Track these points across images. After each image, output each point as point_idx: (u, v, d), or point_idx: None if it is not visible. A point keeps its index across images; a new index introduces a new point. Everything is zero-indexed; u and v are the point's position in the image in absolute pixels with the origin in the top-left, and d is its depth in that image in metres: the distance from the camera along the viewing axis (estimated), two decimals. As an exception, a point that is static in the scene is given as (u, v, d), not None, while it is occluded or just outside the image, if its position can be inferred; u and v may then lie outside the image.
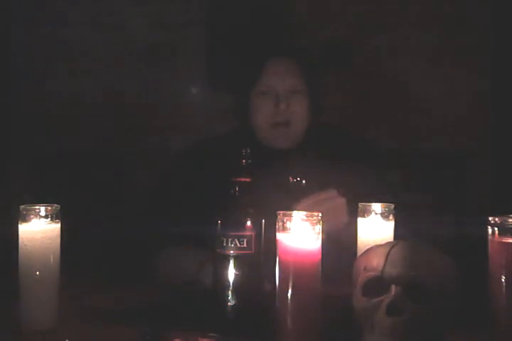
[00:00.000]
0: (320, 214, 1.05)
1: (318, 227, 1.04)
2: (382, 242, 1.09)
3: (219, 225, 1.17)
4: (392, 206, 1.32)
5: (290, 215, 1.06)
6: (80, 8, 3.37)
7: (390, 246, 1.02)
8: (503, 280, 1.01)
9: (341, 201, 1.50)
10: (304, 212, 1.07)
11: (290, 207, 1.18)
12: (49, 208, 1.13)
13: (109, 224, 1.72)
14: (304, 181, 1.44)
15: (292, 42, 1.88)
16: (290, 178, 1.44)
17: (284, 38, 1.88)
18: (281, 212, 1.07)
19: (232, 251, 1.15)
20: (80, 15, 3.39)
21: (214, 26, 3.34)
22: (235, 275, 1.15)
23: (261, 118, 1.71)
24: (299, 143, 1.72)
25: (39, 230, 1.11)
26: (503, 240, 1.02)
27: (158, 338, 1.02)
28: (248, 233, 1.16)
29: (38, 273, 1.11)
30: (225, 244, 1.16)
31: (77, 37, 3.38)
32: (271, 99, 1.69)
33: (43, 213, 1.12)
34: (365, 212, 1.32)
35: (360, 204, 1.33)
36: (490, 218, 1.04)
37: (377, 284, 0.98)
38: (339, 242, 1.35)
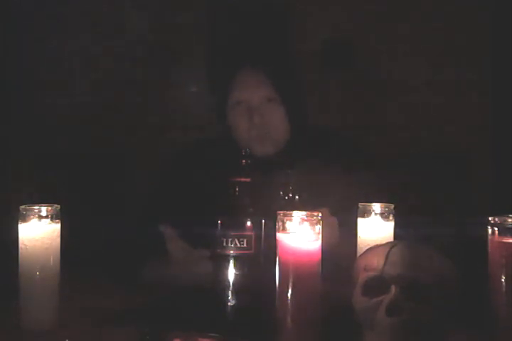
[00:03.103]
0: (320, 215, 1.06)
1: (318, 227, 1.04)
2: (382, 242, 1.09)
3: (219, 225, 1.17)
4: (392, 206, 1.32)
5: (290, 215, 1.06)
6: (80, 8, 3.37)
7: (390, 246, 1.02)
8: (503, 280, 1.01)
9: (333, 220, 1.47)
10: (304, 212, 1.07)
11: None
12: (49, 208, 1.13)
13: (109, 224, 1.72)
14: (297, 197, 1.42)
15: (261, 50, 1.80)
16: (281, 193, 1.42)
17: (256, 47, 1.85)
18: (281, 212, 1.07)
19: (232, 251, 1.15)
20: (80, 16, 3.39)
21: (216, 30, 3.34)
22: (235, 275, 1.16)
23: (238, 132, 1.68)
24: (282, 148, 1.69)
25: (39, 230, 1.11)
26: (503, 240, 1.02)
27: (158, 338, 1.02)
28: (248, 233, 1.16)
29: (38, 273, 1.11)
30: (225, 244, 1.16)
31: (78, 37, 3.38)
32: (245, 112, 1.66)
33: (43, 213, 1.12)
34: (365, 212, 1.32)
35: (360, 205, 1.33)
36: (490, 218, 1.04)
37: (377, 284, 0.98)
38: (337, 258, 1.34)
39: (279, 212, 1.07)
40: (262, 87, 1.67)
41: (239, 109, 1.67)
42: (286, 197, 1.41)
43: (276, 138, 1.69)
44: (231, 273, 1.16)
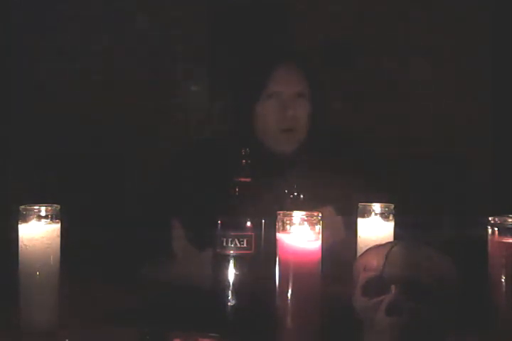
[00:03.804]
0: (320, 214, 1.06)
1: (318, 227, 1.04)
2: (382, 242, 1.09)
3: (219, 225, 1.17)
4: (392, 206, 1.32)
5: (290, 215, 1.06)
6: (80, 8, 3.37)
7: (390, 246, 1.02)
8: (503, 280, 1.01)
9: (337, 219, 1.48)
10: (304, 212, 1.07)
11: None
12: (49, 208, 1.13)
13: (109, 224, 1.72)
14: (301, 196, 1.43)
15: (294, 46, 1.85)
16: (286, 192, 1.43)
17: (287, 42, 1.89)
18: (281, 212, 1.07)
19: (232, 251, 1.15)
20: (80, 15, 3.39)
21: (217, 30, 3.34)
22: (235, 275, 1.15)
23: (267, 124, 1.71)
24: (300, 146, 1.72)
25: (39, 230, 1.11)
26: (503, 240, 1.02)
27: (158, 338, 1.02)
28: (248, 233, 1.16)
29: (38, 273, 1.11)
30: (225, 244, 1.16)
31: (78, 37, 3.38)
32: (277, 104, 1.69)
33: (43, 213, 1.12)
34: (365, 212, 1.32)
35: (360, 205, 1.33)
36: (490, 218, 1.05)
37: (377, 284, 0.98)
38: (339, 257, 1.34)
39: (279, 212, 1.07)
40: (296, 82, 1.72)
41: (272, 100, 1.70)
42: (291, 196, 1.42)
43: (300, 134, 1.72)
44: (231, 273, 1.16)
